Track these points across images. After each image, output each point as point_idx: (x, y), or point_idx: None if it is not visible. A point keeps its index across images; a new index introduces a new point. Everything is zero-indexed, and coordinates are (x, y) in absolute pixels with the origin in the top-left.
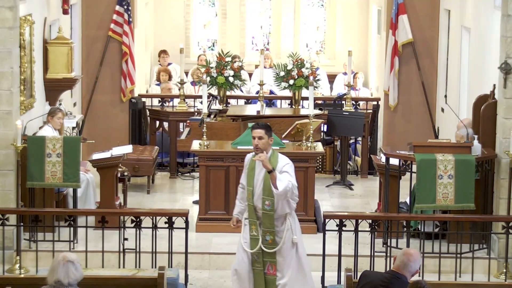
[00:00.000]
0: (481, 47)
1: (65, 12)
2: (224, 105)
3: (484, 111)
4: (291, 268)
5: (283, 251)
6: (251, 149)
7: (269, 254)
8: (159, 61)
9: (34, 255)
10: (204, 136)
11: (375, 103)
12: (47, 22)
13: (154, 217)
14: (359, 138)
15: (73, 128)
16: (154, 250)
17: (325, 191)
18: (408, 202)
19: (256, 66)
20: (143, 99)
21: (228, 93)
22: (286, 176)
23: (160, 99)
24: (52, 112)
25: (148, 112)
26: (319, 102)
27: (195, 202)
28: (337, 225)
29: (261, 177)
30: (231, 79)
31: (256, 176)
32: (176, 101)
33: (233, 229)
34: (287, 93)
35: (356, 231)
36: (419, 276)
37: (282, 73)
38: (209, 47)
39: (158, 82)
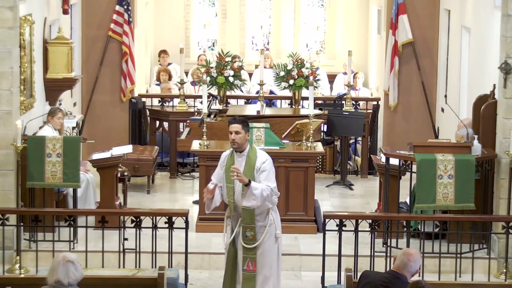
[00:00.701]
0: (481, 47)
1: (65, 12)
2: (224, 105)
3: (484, 111)
4: (269, 263)
5: (265, 246)
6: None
7: (250, 250)
8: (159, 61)
9: (34, 255)
10: (204, 136)
11: (375, 103)
12: (47, 22)
13: (154, 217)
14: (359, 138)
15: (73, 128)
16: (154, 250)
17: (325, 191)
18: (408, 202)
19: (256, 66)
20: (143, 99)
21: (228, 93)
22: (266, 182)
23: (160, 99)
24: (52, 112)
25: (148, 112)
26: (319, 102)
27: (195, 202)
28: (337, 225)
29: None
30: (231, 79)
31: None
32: (176, 101)
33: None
34: (287, 93)
35: (356, 231)
36: (419, 276)
37: (282, 73)
38: (209, 47)
39: (158, 82)
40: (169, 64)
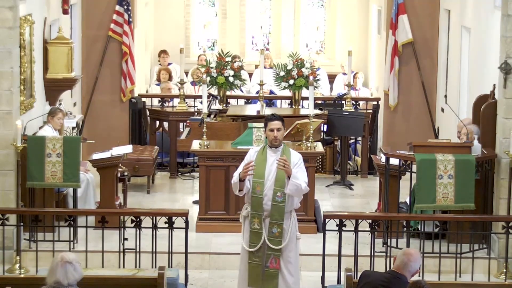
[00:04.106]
0: (481, 47)
1: (65, 12)
2: (224, 105)
3: (484, 111)
4: (293, 263)
5: (289, 246)
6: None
7: (275, 246)
8: (159, 61)
9: (34, 255)
10: (204, 136)
11: (375, 103)
12: (47, 22)
13: (154, 217)
14: (359, 138)
15: (73, 128)
16: (154, 250)
17: (325, 191)
18: (408, 202)
19: (256, 66)
20: (143, 99)
21: (228, 93)
22: (302, 177)
23: (160, 99)
24: (53, 112)
25: (148, 112)
26: (319, 102)
27: (195, 202)
28: (337, 225)
29: (274, 168)
30: (231, 79)
31: (269, 167)
32: (176, 101)
33: (234, 228)
34: (287, 93)
35: (356, 231)
36: (419, 276)
37: (282, 73)
38: (209, 47)
39: (158, 82)
40: (169, 64)
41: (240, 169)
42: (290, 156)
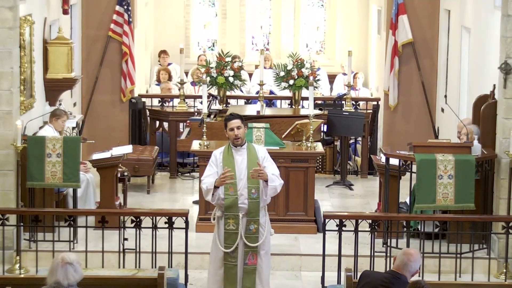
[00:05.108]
0: (481, 47)
1: (65, 12)
2: (224, 105)
3: (484, 111)
4: (267, 258)
5: (265, 241)
6: None
7: (252, 243)
8: (159, 61)
9: (34, 255)
10: (204, 136)
11: (375, 103)
12: (47, 22)
13: (154, 217)
14: (359, 138)
15: (73, 128)
16: (154, 250)
17: (325, 191)
18: (408, 202)
19: (256, 66)
20: (143, 99)
21: (228, 93)
22: (273, 171)
23: (160, 99)
24: (58, 115)
25: (148, 112)
26: (319, 102)
27: (195, 202)
28: (337, 225)
29: (244, 166)
30: (231, 79)
31: (239, 167)
32: (176, 101)
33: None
34: (287, 93)
35: (356, 231)
36: (419, 276)
37: (282, 73)
38: (209, 47)
39: (158, 83)
40: (169, 64)
41: (207, 173)
42: (256, 153)
